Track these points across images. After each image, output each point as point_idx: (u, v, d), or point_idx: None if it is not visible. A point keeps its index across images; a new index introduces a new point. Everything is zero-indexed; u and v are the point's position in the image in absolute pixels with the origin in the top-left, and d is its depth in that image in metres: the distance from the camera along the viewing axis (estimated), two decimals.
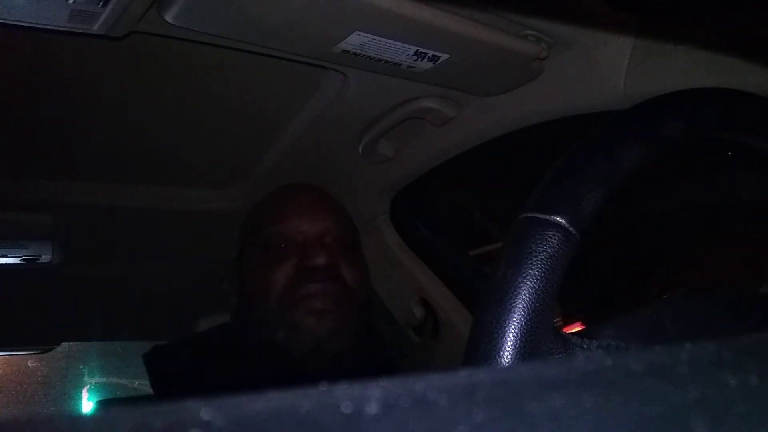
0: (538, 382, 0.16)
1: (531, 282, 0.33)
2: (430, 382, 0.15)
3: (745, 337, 0.19)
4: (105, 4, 0.53)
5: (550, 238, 0.34)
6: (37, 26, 0.55)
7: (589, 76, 0.66)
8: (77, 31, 0.57)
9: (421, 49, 0.64)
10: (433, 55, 0.65)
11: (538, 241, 0.34)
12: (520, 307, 0.33)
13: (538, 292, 0.33)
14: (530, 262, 0.33)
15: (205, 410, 0.13)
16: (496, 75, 0.71)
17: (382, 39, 0.61)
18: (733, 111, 0.42)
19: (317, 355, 0.81)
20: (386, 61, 0.65)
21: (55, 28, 0.56)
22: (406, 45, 0.62)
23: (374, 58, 0.64)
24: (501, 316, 0.33)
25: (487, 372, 0.16)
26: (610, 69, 0.64)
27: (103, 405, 1.33)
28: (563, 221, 0.34)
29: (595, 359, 0.17)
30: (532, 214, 0.35)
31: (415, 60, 0.65)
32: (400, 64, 0.66)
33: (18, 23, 0.54)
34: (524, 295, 0.33)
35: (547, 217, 0.34)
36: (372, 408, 0.14)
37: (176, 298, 1.45)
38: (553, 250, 0.33)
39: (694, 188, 0.80)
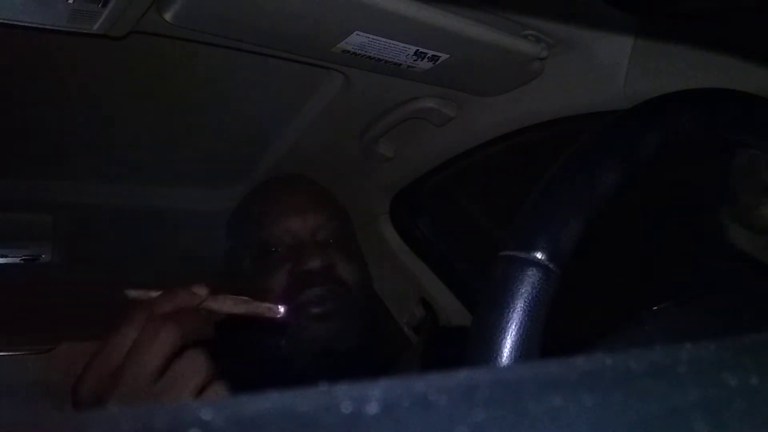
0: (538, 382, 0.16)
1: (514, 325, 0.32)
2: (430, 382, 0.15)
3: (745, 337, 0.19)
4: (105, 4, 0.53)
5: (530, 277, 0.33)
6: (37, 26, 0.55)
7: (589, 76, 0.66)
8: (77, 31, 0.57)
9: (421, 49, 0.64)
10: (433, 55, 0.65)
11: (519, 282, 0.33)
12: (505, 352, 0.32)
13: (522, 334, 0.32)
14: (512, 304, 0.33)
15: (205, 410, 0.13)
16: (496, 75, 0.71)
17: (382, 39, 0.61)
18: (717, 111, 0.41)
19: (323, 358, 0.78)
20: (386, 61, 0.65)
21: (55, 28, 0.56)
22: (406, 45, 0.62)
23: (374, 58, 0.64)
24: (488, 362, 0.32)
25: (487, 372, 0.16)
26: (610, 69, 0.64)
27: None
28: (542, 258, 0.33)
29: (595, 359, 0.17)
30: (511, 253, 0.34)
31: (415, 60, 0.65)
32: (400, 64, 0.66)
33: (18, 23, 0.54)
34: (508, 339, 0.32)
35: (526, 255, 0.33)
36: (372, 408, 0.14)
37: None
38: (534, 290, 0.33)
39: (675, 191, 0.80)
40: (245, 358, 0.83)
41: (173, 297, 0.49)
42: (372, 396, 0.14)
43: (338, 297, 0.80)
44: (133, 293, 0.52)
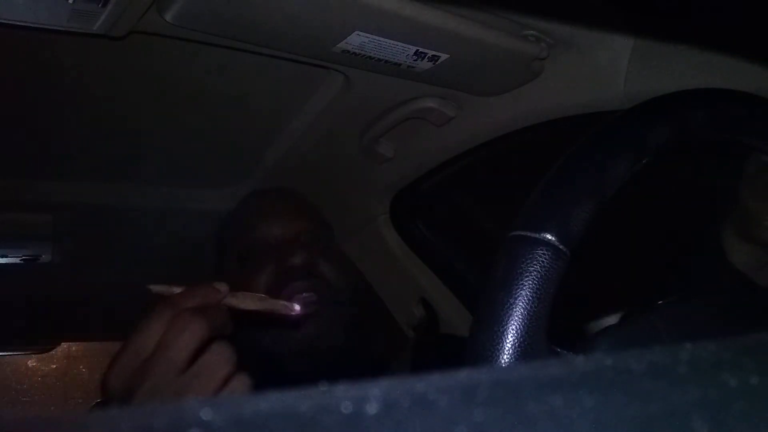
0: (538, 382, 0.16)
1: (522, 304, 0.32)
2: (430, 382, 0.15)
3: (745, 337, 0.19)
4: (105, 4, 0.53)
5: (539, 257, 0.33)
6: (37, 26, 0.55)
7: (589, 76, 0.66)
8: (77, 31, 0.57)
9: (421, 49, 0.63)
10: (433, 55, 0.65)
11: (528, 261, 0.33)
12: (512, 330, 0.32)
13: (530, 313, 0.32)
14: (521, 283, 0.32)
15: (205, 410, 0.13)
16: (496, 75, 0.71)
17: (382, 39, 0.61)
18: (724, 111, 0.41)
19: (309, 354, 0.80)
20: (386, 61, 0.65)
21: (55, 28, 0.56)
22: (406, 45, 0.62)
23: (374, 58, 0.64)
24: (494, 340, 0.32)
25: (487, 372, 0.16)
26: (610, 69, 0.64)
27: (103, 405, 1.32)
28: (553, 239, 0.33)
29: (595, 359, 0.17)
30: (522, 233, 0.34)
31: (415, 60, 0.65)
32: (400, 64, 0.66)
33: (18, 23, 0.54)
34: (516, 317, 0.32)
35: (536, 235, 0.33)
36: (372, 408, 0.14)
37: None
38: (543, 269, 0.33)
39: (680, 189, 0.80)
40: (247, 352, 0.85)
41: (198, 293, 0.51)
42: (372, 396, 0.14)
43: (321, 293, 0.82)
44: (156, 288, 0.54)
